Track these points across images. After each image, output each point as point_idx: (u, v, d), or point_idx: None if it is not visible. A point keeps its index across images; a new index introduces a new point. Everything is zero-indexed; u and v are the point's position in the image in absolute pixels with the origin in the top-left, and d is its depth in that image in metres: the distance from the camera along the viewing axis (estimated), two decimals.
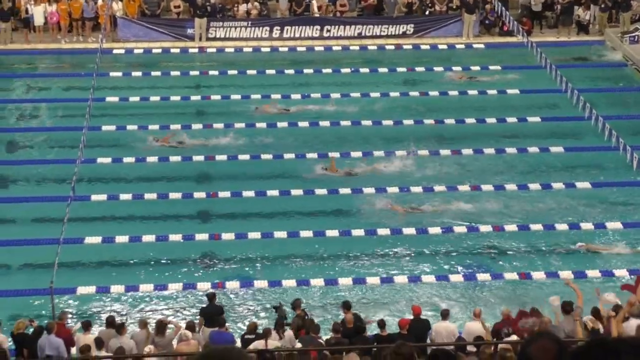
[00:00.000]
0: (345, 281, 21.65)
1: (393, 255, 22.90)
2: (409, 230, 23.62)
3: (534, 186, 25.67)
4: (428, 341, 17.38)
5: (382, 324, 17.56)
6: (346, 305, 18.45)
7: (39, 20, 34.69)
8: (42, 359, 15.83)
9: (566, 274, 21.13)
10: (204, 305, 19.07)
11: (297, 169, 26.51)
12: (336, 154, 26.94)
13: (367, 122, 29.10)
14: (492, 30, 36.56)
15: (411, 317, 18.10)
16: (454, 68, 33.37)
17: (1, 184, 26.11)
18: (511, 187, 25.64)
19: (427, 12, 36.67)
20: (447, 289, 21.53)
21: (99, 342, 16.58)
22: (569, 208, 24.85)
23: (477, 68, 33.46)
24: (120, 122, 28.92)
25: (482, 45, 35.61)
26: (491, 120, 29.45)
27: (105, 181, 25.95)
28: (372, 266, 22.46)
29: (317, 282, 21.57)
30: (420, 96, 31.29)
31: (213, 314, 18.39)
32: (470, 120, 29.36)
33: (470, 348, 16.20)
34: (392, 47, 35.29)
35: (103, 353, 16.11)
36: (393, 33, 35.85)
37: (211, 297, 19.01)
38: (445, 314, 18.02)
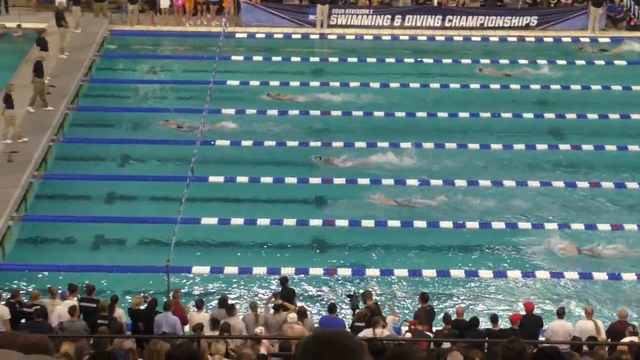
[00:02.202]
0: (457, 273, 21.50)
1: (506, 249, 22.64)
2: (524, 225, 23.30)
3: None
4: (541, 338, 17.15)
5: (494, 318, 17.40)
6: (424, 298, 18.37)
7: (165, 3, 35.37)
8: (158, 335, 16.16)
9: None
10: (280, 289, 19.21)
11: (414, 158, 26.33)
12: (453, 145, 26.71)
13: (485, 115, 28.73)
14: (619, 24, 35.69)
15: (523, 313, 17.91)
16: (577, 62, 32.76)
17: (124, 162, 26.70)
18: (632, 185, 25.03)
19: (552, 4, 36.04)
20: (561, 287, 21.20)
21: (215, 322, 16.80)
22: None
23: (602, 62, 32.74)
24: (240, 105, 29.23)
25: (607, 39, 34.77)
26: (614, 116, 28.77)
27: (223, 163, 26.31)
28: (485, 259, 22.24)
29: (429, 272, 21.45)
30: (540, 89, 30.76)
31: (290, 297, 18.66)
32: (592, 116, 28.74)
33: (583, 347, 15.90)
34: (515, 38, 34.78)
35: (216, 333, 16.34)
36: (516, 24, 35.32)
37: (284, 281, 19.28)
38: (561, 313, 17.74)
